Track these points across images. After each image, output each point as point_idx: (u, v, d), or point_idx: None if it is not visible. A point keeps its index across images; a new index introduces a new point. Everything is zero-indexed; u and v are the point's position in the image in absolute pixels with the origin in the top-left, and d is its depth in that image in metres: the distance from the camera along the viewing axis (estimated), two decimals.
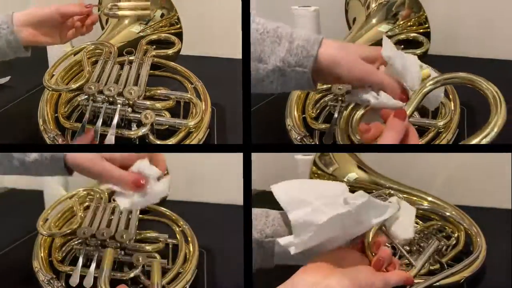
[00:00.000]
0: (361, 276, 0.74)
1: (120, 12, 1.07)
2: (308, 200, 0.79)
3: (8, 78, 1.23)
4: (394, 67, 0.86)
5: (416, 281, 1.00)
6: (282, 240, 0.80)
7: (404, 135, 0.80)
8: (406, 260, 1.06)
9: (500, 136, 0.92)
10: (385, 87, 0.85)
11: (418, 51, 1.15)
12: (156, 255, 1.08)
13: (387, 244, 0.85)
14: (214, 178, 1.35)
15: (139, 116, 1.01)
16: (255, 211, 0.85)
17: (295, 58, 0.81)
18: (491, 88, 0.84)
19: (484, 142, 0.83)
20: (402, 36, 1.17)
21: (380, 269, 0.78)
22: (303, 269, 0.76)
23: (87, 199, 1.21)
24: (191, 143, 1.03)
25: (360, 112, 0.88)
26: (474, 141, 0.83)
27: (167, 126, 1.04)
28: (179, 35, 1.19)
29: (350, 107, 0.92)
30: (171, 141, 1.02)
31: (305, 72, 0.82)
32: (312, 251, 0.80)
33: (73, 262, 1.07)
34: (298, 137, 1.07)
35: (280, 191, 0.83)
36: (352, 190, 1.20)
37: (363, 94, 0.86)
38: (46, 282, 1.03)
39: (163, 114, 1.04)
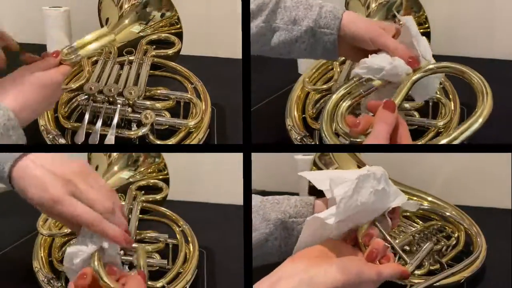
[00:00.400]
0: (351, 265, 0.71)
1: (82, 52, 0.95)
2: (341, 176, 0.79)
3: None
4: (409, 30, 0.89)
5: (416, 281, 1.00)
6: (322, 214, 0.76)
7: (395, 127, 0.80)
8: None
9: (500, 136, 0.92)
10: (393, 49, 0.89)
11: None
12: (156, 255, 1.08)
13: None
14: (214, 178, 1.36)
15: (139, 116, 1.01)
16: (277, 197, 0.87)
17: (324, 21, 0.90)
18: (479, 79, 0.86)
19: (468, 132, 0.82)
20: None
21: (373, 261, 0.73)
22: (291, 258, 0.74)
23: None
24: (191, 143, 1.03)
25: (346, 104, 0.87)
26: (459, 131, 0.83)
27: (167, 126, 1.04)
28: (179, 35, 1.19)
29: (334, 100, 0.88)
30: (171, 141, 1.02)
31: (332, 33, 0.90)
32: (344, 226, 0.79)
33: None
34: (298, 137, 1.07)
35: (310, 173, 0.87)
36: None
37: (378, 60, 0.88)
38: (46, 282, 1.03)
39: (163, 114, 1.04)
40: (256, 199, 0.88)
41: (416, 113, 1.05)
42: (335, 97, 0.88)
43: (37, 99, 0.86)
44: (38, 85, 0.86)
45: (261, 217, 0.85)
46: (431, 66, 0.88)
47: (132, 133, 1.00)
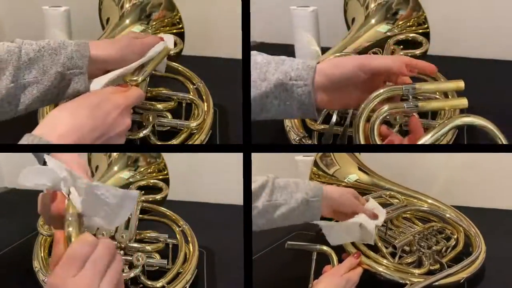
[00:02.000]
0: None
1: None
2: None
3: None
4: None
5: (415, 280, 1.00)
6: None
7: None
8: (408, 260, 1.07)
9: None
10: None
11: (418, 52, 1.14)
12: (156, 255, 1.08)
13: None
14: (214, 178, 1.36)
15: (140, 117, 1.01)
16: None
17: (296, 72, 0.86)
18: None
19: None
20: (402, 37, 1.17)
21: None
22: None
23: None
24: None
25: (383, 113, 0.86)
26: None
27: (169, 128, 1.04)
28: (181, 35, 1.19)
29: (371, 106, 0.87)
30: (173, 142, 1.02)
31: (306, 85, 0.86)
32: None
33: None
34: (297, 138, 1.07)
35: None
36: None
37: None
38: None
39: (165, 115, 1.04)
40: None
41: (415, 114, 1.05)
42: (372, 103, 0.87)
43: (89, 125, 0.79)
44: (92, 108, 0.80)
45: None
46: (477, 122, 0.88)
47: (133, 134, 1.00)
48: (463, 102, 0.89)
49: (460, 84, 0.89)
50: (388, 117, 0.88)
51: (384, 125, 0.87)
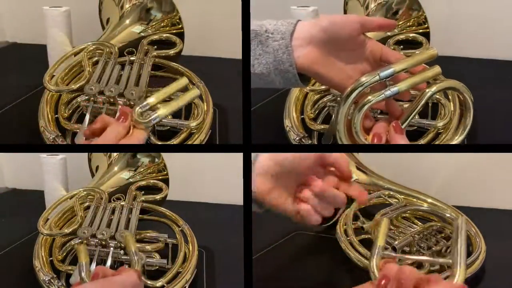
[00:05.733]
0: None
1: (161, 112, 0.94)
2: None
3: None
4: None
5: None
6: None
7: None
8: (408, 261, 1.07)
9: (500, 136, 0.92)
10: None
11: (418, 51, 1.15)
12: (156, 254, 1.09)
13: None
14: (214, 178, 1.36)
15: None
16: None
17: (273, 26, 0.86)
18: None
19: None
20: (402, 36, 1.17)
21: None
22: None
23: (87, 199, 1.20)
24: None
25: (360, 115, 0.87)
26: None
27: (169, 127, 1.04)
28: (181, 35, 1.19)
29: (346, 106, 0.87)
30: (173, 142, 1.02)
31: (283, 38, 0.84)
32: None
33: (74, 262, 1.07)
34: (297, 138, 1.07)
35: None
36: None
37: None
38: (47, 282, 1.04)
39: None
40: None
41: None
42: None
43: None
44: None
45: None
46: (441, 86, 0.89)
47: None
48: (436, 70, 0.88)
49: (433, 52, 0.89)
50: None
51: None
